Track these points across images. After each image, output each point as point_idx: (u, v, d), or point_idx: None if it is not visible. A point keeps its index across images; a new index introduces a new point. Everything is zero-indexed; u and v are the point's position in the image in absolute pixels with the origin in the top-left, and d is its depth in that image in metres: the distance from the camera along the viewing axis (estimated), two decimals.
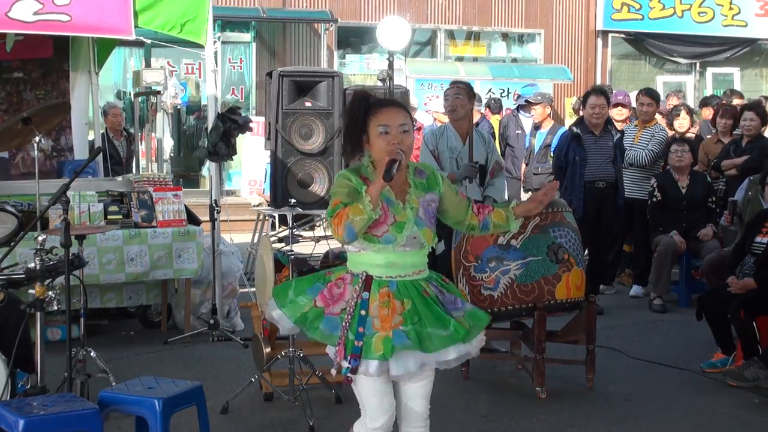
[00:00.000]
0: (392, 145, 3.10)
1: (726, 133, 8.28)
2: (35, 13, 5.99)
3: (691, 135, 8.76)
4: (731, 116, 8.23)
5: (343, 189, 3.14)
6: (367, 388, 3.15)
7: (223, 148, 6.53)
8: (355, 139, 3.20)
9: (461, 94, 6.21)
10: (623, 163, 7.80)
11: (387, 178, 3.03)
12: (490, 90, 13.96)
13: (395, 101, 3.34)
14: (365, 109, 3.18)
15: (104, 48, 8.08)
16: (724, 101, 9.42)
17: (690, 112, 9.17)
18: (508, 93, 14.00)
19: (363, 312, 3.10)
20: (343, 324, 3.09)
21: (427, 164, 3.36)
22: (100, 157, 7.85)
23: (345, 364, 3.06)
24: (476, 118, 9.48)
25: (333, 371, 3.19)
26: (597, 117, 7.27)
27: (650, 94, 8.20)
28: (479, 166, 6.19)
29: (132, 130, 10.83)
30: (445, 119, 6.76)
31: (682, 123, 8.67)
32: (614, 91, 9.71)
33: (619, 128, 7.87)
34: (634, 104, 8.80)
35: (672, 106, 9.26)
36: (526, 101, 9.77)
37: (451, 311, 3.19)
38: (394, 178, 3.05)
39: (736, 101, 9.03)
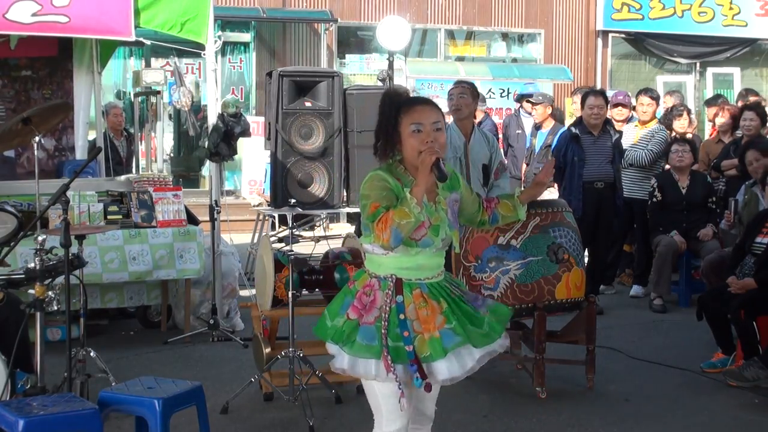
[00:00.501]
0: (426, 143, 2.99)
1: (726, 133, 8.28)
2: (34, 15, 5.97)
3: (689, 135, 8.75)
4: (731, 116, 8.24)
5: (379, 192, 2.99)
6: (385, 390, 3.02)
7: (224, 149, 6.53)
8: (388, 139, 3.08)
9: (466, 94, 6.23)
10: (623, 164, 7.81)
11: (442, 178, 2.96)
12: (490, 90, 13.95)
13: (427, 99, 3.22)
14: (396, 107, 3.07)
15: (107, 48, 8.08)
16: (740, 102, 9.39)
17: (689, 112, 9.17)
18: (508, 93, 13.99)
19: (402, 316, 2.99)
20: (383, 332, 2.97)
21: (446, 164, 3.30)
22: (100, 157, 7.85)
23: (414, 374, 2.93)
24: (480, 117, 9.49)
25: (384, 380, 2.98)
26: (596, 117, 7.26)
27: (650, 94, 8.20)
28: (483, 166, 6.20)
29: (132, 130, 10.83)
30: (447, 118, 6.76)
31: (683, 123, 8.67)
32: (615, 91, 9.72)
33: (618, 128, 7.88)
34: (633, 103, 8.81)
35: (669, 107, 9.24)
36: (527, 101, 9.76)
37: (479, 308, 3.15)
38: (444, 177, 2.97)
39: (752, 99, 9.00)
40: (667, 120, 8.65)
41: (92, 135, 8.63)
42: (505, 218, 3.41)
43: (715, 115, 8.69)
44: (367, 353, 2.99)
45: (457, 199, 3.21)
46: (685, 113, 8.80)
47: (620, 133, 7.70)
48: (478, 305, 3.18)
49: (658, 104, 8.32)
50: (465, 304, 3.12)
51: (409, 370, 2.95)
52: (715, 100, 9.62)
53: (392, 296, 3.02)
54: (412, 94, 3.30)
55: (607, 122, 7.48)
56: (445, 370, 3.00)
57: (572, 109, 10.45)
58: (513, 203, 3.39)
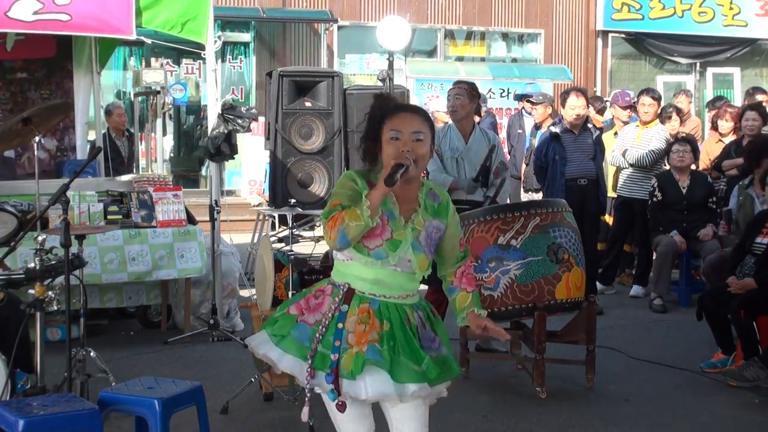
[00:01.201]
0: (401, 152, 2.85)
1: (727, 134, 8.28)
2: (35, 13, 5.98)
3: (693, 132, 8.77)
4: (732, 118, 8.24)
5: (345, 190, 2.89)
6: (340, 413, 2.91)
7: (225, 148, 6.53)
8: (369, 145, 2.96)
9: (462, 95, 6.22)
10: (624, 163, 7.81)
11: (389, 182, 2.76)
12: (490, 90, 13.95)
13: (416, 107, 3.08)
14: (382, 113, 2.95)
15: (106, 47, 8.08)
16: (746, 100, 9.38)
17: (680, 112, 9.16)
18: (508, 93, 13.99)
19: (340, 325, 2.85)
20: (317, 336, 2.85)
21: (443, 191, 3.10)
22: (100, 158, 7.85)
23: (327, 387, 2.81)
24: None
25: (305, 411, 2.93)
26: (577, 118, 7.33)
27: (652, 94, 8.20)
28: (482, 166, 6.19)
29: (132, 130, 10.83)
30: (446, 118, 6.77)
31: (673, 125, 8.64)
32: (618, 91, 9.74)
33: (619, 129, 7.89)
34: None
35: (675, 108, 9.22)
36: (528, 100, 9.74)
37: (426, 349, 2.89)
38: (396, 185, 2.79)
39: (759, 97, 8.99)
40: (662, 120, 8.66)
41: (92, 135, 8.62)
42: (453, 303, 3.09)
43: (716, 117, 8.66)
44: (295, 352, 2.88)
45: (440, 228, 2.99)
46: (674, 114, 8.79)
47: (600, 130, 7.81)
48: (432, 347, 2.93)
49: (659, 104, 8.33)
50: (414, 337, 2.89)
51: (326, 380, 2.82)
52: (715, 103, 9.60)
53: (339, 304, 2.89)
54: (409, 101, 3.23)
55: (587, 120, 7.57)
56: (362, 388, 2.81)
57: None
58: (466, 308, 3.04)
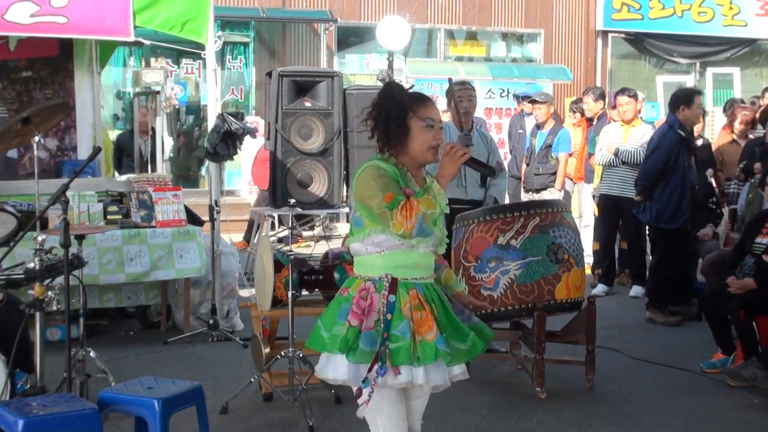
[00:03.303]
0: (437, 139, 3.02)
1: (742, 135, 8.29)
2: (32, 15, 5.97)
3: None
4: (746, 121, 8.28)
5: (385, 181, 2.95)
6: (386, 399, 2.97)
7: (224, 149, 6.53)
8: (393, 131, 3.03)
9: (474, 97, 6.25)
10: (615, 162, 7.86)
11: (492, 173, 3.32)
12: (490, 90, 13.94)
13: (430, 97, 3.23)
14: (406, 100, 3.05)
15: (107, 48, 8.08)
16: (761, 100, 9.34)
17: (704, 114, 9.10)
18: (508, 93, 13.98)
19: (389, 316, 2.92)
20: (382, 336, 2.90)
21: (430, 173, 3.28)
22: (100, 156, 7.84)
23: (372, 375, 2.87)
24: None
25: (360, 401, 2.92)
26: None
27: (628, 93, 8.18)
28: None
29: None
30: (446, 118, 6.74)
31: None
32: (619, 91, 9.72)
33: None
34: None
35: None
36: (533, 100, 9.73)
37: (464, 322, 3.07)
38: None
39: None
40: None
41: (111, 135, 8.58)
42: (439, 278, 3.23)
43: (733, 120, 8.62)
44: (368, 359, 2.90)
45: None
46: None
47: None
48: (464, 318, 3.11)
49: (637, 101, 8.23)
50: (454, 315, 3.05)
51: (380, 372, 2.87)
52: (731, 105, 9.44)
53: (387, 295, 2.95)
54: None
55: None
56: (421, 374, 2.93)
57: (570, 110, 10.39)
58: (453, 285, 3.26)
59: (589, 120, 9.28)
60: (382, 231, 2.98)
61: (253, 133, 6.72)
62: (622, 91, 8.30)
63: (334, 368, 2.98)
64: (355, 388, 2.96)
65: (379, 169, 3.01)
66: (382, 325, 2.91)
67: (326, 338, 2.98)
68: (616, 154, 7.91)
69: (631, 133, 8.01)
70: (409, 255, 3.00)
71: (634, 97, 8.11)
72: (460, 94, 6.21)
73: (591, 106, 9.12)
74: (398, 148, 3.05)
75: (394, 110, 3.04)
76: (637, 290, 8.01)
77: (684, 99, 7.15)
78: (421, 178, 3.11)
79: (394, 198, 2.89)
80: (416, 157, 3.06)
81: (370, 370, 2.89)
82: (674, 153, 6.96)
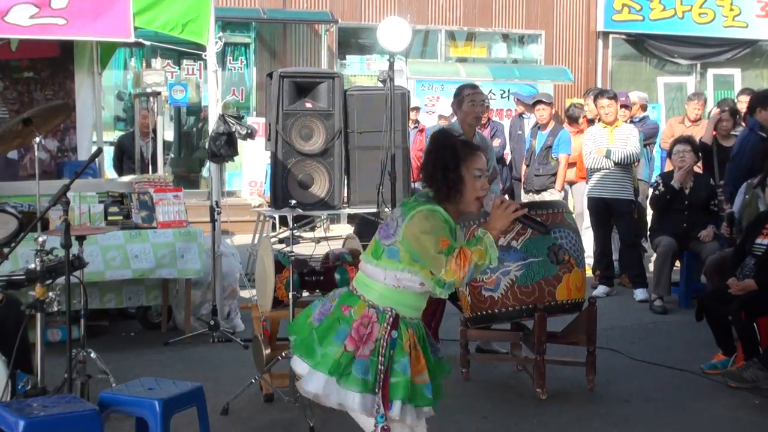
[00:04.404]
0: (484, 189, 3.12)
1: (727, 136, 8.25)
2: (32, 17, 5.96)
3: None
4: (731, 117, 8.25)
5: (443, 228, 3.02)
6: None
7: (225, 149, 6.53)
8: (451, 179, 3.08)
9: (486, 101, 6.19)
10: (608, 164, 7.83)
11: (546, 230, 3.57)
12: (490, 91, 13.92)
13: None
14: (458, 149, 3.13)
15: (107, 49, 8.08)
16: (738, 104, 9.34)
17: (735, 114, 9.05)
18: (509, 94, 13.97)
19: (391, 352, 3.00)
20: (380, 368, 2.97)
21: None
22: (101, 157, 7.85)
23: (382, 410, 2.95)
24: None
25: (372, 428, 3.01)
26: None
27: (608, 94, 8.18)
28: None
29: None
30: (445, 121, 6.74)
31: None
32: (618, 93, 9.72)
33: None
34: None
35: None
36: (542, 102, 9.71)
37: (434, 353, 3.18)
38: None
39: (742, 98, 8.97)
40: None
41: (110, 136, 8.59)
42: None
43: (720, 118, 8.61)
44: (360, 387, 2.97)
45: None
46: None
47: None
48: (434, 350, 3.22)
49: (617, 102, 8.22)
50: (431, 353, 3.15)
51: (391, 407, 2.96)
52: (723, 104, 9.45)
53: (389, 330, 3.01)
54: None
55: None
56: (408, 413, 3.03)
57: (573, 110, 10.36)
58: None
59: (591, 121, 9.28)
60: (415, 272, 3.04)
61: (254, 134, 6.73)
62: (602, 93, 8.32)
63: (319, 386, 3.04)
64: (327, 403, 3.07)
65: (440, 214, 3.05)
66: (380, 358, 2.97)
67: (318, 354, 3.05)
68: (608, 156, 7.86)
69: (616, 133, 8.00)
70: (420, 298, 3.12)
71: (614, 98, 8.12)
72: (473, 98, 5.98)
73: (591, 107, 9.11)
74: (453, 196, 3.10)
75: (451, 160, 3.10)
76: (641, 294, 7.90)
77: (761, 100, 7.10)
78: (461, 227, 3.21)
79: (450, 245, 2.97)
80: (465, 207, 3.12)
81: (386, 407, 2.96)
82: (759, 155, 6.72)
